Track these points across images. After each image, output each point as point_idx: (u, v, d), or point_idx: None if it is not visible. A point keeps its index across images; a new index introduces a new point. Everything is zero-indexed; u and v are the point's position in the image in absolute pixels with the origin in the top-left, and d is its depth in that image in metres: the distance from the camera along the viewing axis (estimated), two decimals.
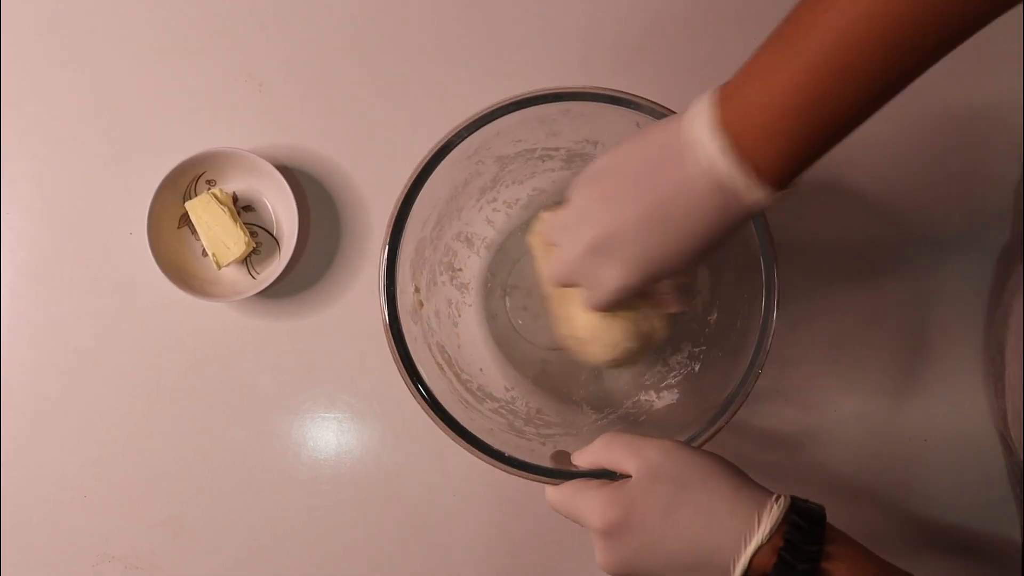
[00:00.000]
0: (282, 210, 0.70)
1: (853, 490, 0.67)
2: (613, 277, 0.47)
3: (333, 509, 0.68)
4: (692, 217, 0.43)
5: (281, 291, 0.70)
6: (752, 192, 0.41)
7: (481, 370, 0.63)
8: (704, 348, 0.62)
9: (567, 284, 0.51)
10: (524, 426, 0.61)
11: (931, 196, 0.69)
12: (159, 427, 0.69)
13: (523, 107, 0.55)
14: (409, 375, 0.53)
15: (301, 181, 0.70)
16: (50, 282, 0.71)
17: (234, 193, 0.70)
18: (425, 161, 0.55)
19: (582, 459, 0.50)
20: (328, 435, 0.69)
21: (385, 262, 0.54)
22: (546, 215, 0.53)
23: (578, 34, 0.71)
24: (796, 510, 0.44)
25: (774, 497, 0.44)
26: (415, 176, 0.55)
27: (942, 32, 0.38)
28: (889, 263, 0.69)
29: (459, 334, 0.64)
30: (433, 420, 0.53)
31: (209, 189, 0.69)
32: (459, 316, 0.65)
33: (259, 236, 0.70)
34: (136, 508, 0.69)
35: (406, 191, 0.55)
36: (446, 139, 0.55)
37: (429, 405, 0.53)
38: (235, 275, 0.70)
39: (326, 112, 0.71)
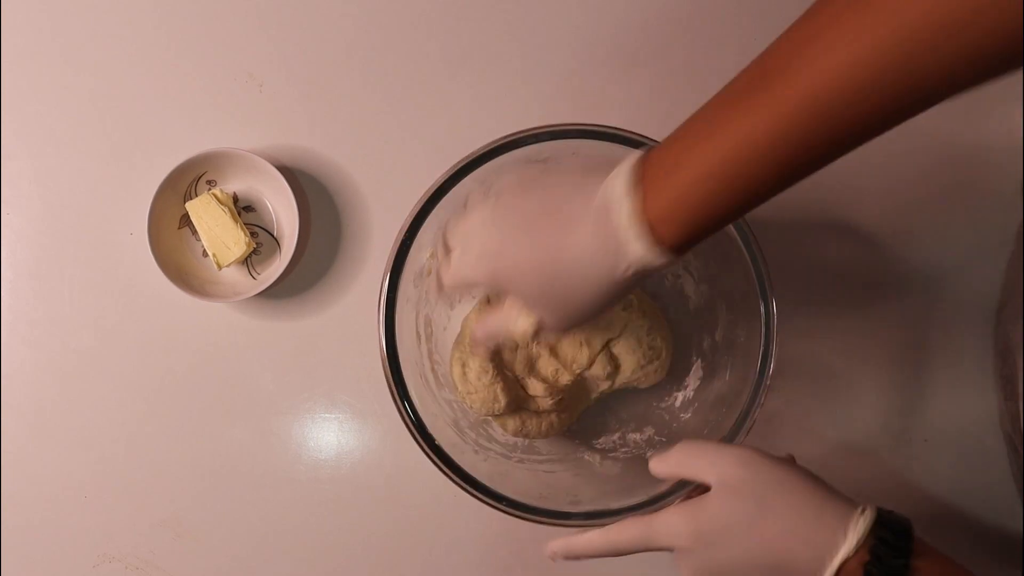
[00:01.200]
0: (282, 210, 0.70)
1: (852, 490, 0.67)
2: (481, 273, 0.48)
3: (333, 510, 0.68)
4: (582, 255, 0.43)
5: (281, 291, 0.70)
6: (640, 249, 0.42)
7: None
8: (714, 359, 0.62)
9: (460, 287, 0.51)
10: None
11: (936, 196, 0.69)
12: (159, 427, 0.69)
13: (509, 150, 0.55)
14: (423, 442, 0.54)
15: (301, 181, 0.70)
16: (50, 282, 0.71)
17: (234, 193, 0.70)
18: (413, 215, 0.55)
19: (661, 466, 0.49)
20: (328, 436, 0.69)
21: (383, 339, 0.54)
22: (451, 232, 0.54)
23: (576, 34, 0.71)
24: (882, 522, 0.43)
25: (859, 509, 0.43)
26: (404, 232, 0.55)
27: (855, 129, 0.38)
28: (892, 263, 0.69)
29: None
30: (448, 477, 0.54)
31: (210, 189, 0.69)
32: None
33: (259, 236, 0.70)
34: (136, 508, 0.69)
35: (397, 247, 0.55)
36: (435, 187, 0.55)
37: (441, 460, 0.54)
38: (235, 275, 0.70)
39: (326, 112, 0.71)
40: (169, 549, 0.68)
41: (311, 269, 0.70)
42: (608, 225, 0.42)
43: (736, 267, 0.55)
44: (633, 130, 0.55)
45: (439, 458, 0.54)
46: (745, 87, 0.40)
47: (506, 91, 0.71)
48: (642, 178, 0.42)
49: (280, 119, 0.71)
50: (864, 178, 0.69)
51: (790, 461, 0.47)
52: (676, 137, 0.42)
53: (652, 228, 0.41)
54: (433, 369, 0.61)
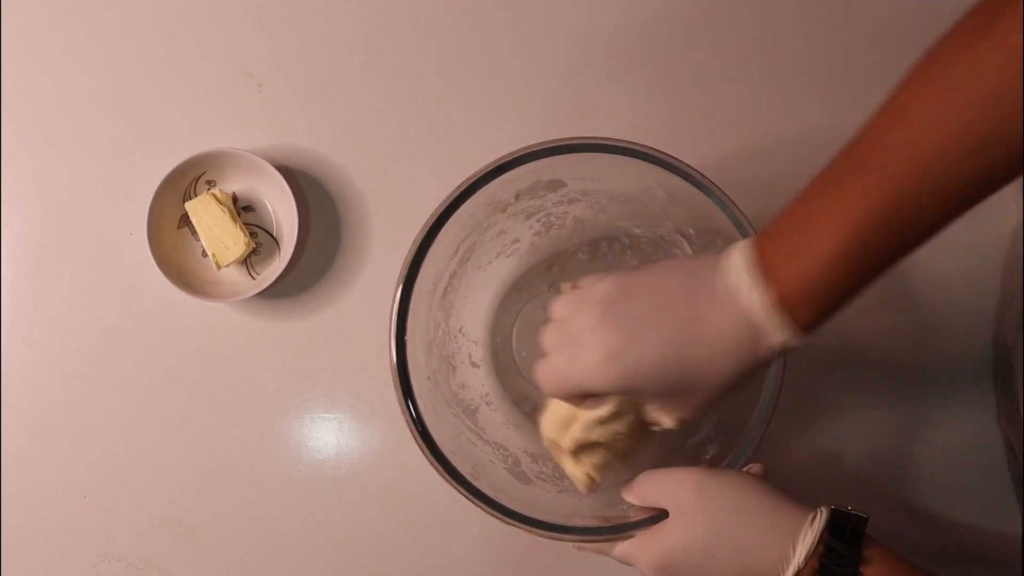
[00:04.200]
0: (282, 210, 0.70)
1: (852, 489, 0.67)
2: (617, 380, 0.45)
3: (334, 510, 0.68)
4: (717, 347, 0.43)
5: (281, 291, 0.70)
6: (784, 336, 0.42)
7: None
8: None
9: (568, 394, 0.48)
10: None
11: None
12: (159, 427, 0.69)
13: (518, 164, 0.54)
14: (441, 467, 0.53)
15: (301, 181, 0.70)
16: (50, 282, 0.71)
17: (234, 193, 0.70)
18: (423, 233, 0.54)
19: (629, 496, 0.50)
20: (328, 435, 0.69)
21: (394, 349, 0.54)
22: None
23: (577, 32, 0.71)
24: (836, 526, 0.44)
25: (810, 518, 0.44)
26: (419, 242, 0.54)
27: (983, 179, 0.39)
28: None
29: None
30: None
31: (209, 189, 0.69)
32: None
33: (259, 236, 0.70)
34: (136, 508, 0.69)
35: (406, 272, 0.54)
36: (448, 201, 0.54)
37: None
38: (235, 275, 0.70)
39: (326, 112, 0.71)
40: (169, 549, 0.68)
41: (311, 269, 0.70)
42: (741, 315, 0.42)
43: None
44: (638, 141, 0.54)
45: (442, 465, 0.53)
46: (845, 167, 0.41)
47: (505, 90, 0.71)
48: (764, 267, 0.42)
49: (280, 119, 0.71)
50: None
51: (753, 472, 0.47)
52: (788, 222, 0.43)
53: (791, 313, 0.42)
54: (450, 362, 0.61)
